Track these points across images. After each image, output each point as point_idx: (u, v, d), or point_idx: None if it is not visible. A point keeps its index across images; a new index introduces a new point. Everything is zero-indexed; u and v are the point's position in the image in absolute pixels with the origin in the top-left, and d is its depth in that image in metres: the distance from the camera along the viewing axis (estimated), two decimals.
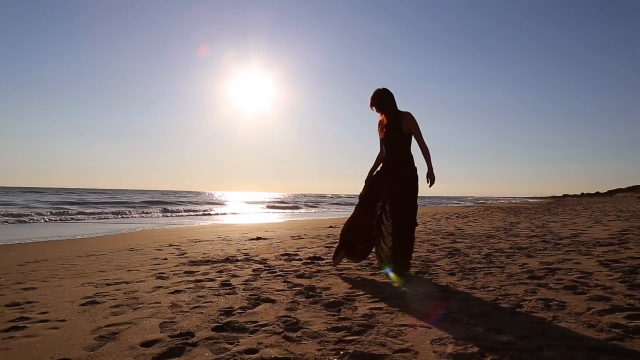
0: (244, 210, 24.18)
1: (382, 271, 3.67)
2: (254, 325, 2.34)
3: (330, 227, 9.43)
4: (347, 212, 21.25)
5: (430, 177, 3.73)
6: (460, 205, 34.74)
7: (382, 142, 3.85)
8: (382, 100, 3.78)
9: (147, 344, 2.08)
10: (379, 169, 3.90)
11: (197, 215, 18.35)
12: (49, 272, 4.11)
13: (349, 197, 68.62)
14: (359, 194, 3.91)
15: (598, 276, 3.37)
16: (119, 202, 27.40)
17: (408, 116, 3.72)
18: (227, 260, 4.64)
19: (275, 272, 3.89)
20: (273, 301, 2.86)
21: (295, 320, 2.41)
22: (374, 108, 3.82)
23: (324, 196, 78.20)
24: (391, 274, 3.54)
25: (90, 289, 3.33)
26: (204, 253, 5.24)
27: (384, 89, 3.81)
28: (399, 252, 3.64)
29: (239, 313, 2.57)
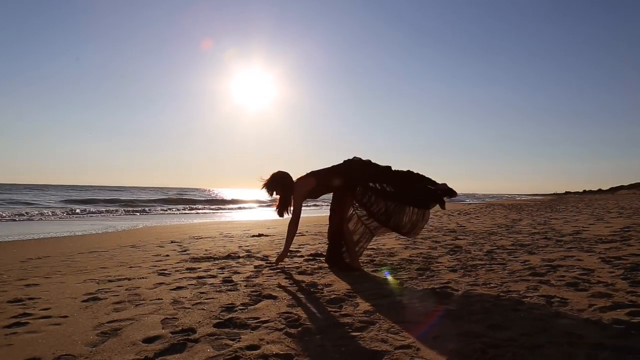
0: (246, 207, 24.19)
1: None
2: (255, 321, 2.34)
3: None
4: None
5: (279, 260, 3.99)
6: (463, 202, 34.67)
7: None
8: (275, 184, 3.91)
9: (148, 340, 2.08)
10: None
11: (198, 212, 18.38)
12: (51, 269, 4.12)
13: None
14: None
15: (600, 273, 3.36)
16: (121, 199, 27.44)
17: (295, 187, 3.88)
18: (228, 257, 4.64)
19: (277, 268, 3.90)
20: (274, 298, 2.86)
21: (296, 317, 2.42)
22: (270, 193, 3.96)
23: None
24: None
25: (92, 285, 3.34)
26: (205, 250, 5.25)
27: (278, 172, 3.91)
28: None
29: (240, 309, 2.58)
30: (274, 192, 3.92)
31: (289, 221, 3.89)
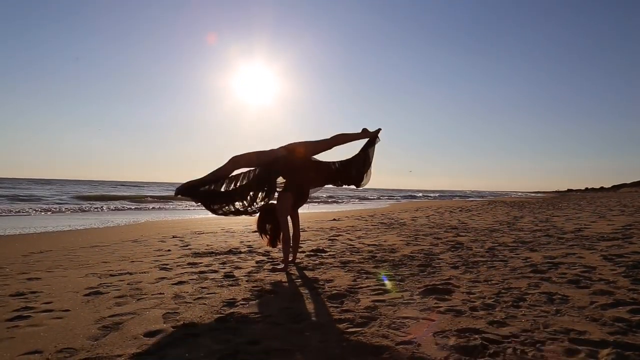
0: None
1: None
2: (256, 316, 2.35)
3: (334, 220, 9.43)
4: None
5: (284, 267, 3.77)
6: (465, 199, 34.65)
7: None
8: (263, 223, 3.80)
9: (150, 334, 2.09)
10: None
11: (200, 207, 18.37)
12: (53, 263, 4.13)
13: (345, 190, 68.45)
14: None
15: (601, 270, 3.36)
16: (123, 195, 27.48)
17: (277, 209, 3.72)
18: (230, 252, 4.65)
19: (278, 264, 3.90)
20: (276, 293, 2.87)
21: (297, 312, 2.42)
22: None
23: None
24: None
25: (94, 279, 3.35)
26: (207, 245, 5.26)
27: (261, 211, 3.74)
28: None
29: (241, 304, 2.58)
30: (267, 225, 3.76)
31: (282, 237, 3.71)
